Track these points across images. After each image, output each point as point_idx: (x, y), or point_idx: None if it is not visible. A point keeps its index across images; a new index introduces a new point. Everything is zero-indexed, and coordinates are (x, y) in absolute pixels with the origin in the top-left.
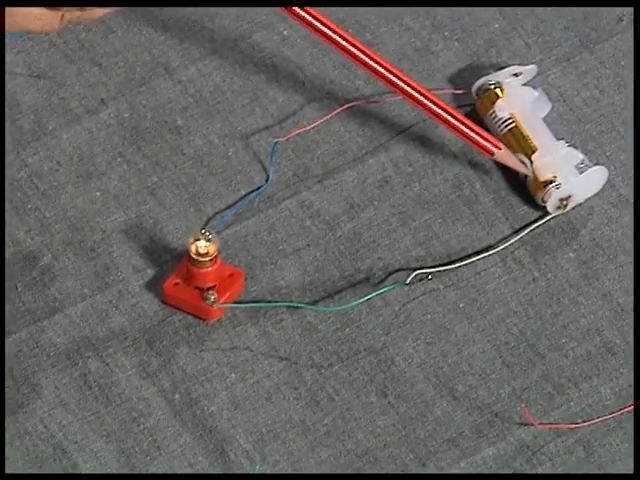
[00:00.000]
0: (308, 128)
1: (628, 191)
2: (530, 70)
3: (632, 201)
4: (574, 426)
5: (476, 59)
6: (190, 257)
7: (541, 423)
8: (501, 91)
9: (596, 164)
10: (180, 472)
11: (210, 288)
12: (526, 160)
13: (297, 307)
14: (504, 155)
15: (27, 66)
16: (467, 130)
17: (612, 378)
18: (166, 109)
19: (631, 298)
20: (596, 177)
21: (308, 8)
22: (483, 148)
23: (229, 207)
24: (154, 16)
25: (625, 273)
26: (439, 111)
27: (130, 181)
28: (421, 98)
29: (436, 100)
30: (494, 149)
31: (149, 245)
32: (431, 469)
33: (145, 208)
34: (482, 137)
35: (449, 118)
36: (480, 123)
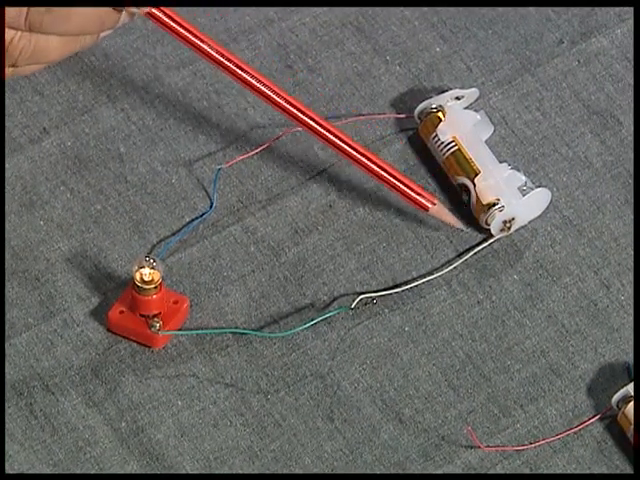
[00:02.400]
0: (251, 154)
1: (571, 213)
2: (472, 93)
3: (575, 223)
4: (520, 448)
5: (418, 83)
6: (134, 285)
7: (488, 446)
8: (443, 115)
9: (539, 186)
10: None
11: (155, 315)
12: (469, 185)
13: (243, 333)
14: (439, 210)
15: None
16: (401, 185)
17: (558, 399)
18: (109, 137)
19: (575, 319)
20: (539, 199)
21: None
22: (417, 203)
23: (173, 234)
24: (95, 44)
25: (569, 294)
26: (377, 169)
27: (73, 209)
28: (357, 155)
29: (380, 162)
30: (428, 204)
31: (93, 273)
32: None
33: (89, 236)
34: (416, 192)
35: (384, 174)
36: (423, 147)
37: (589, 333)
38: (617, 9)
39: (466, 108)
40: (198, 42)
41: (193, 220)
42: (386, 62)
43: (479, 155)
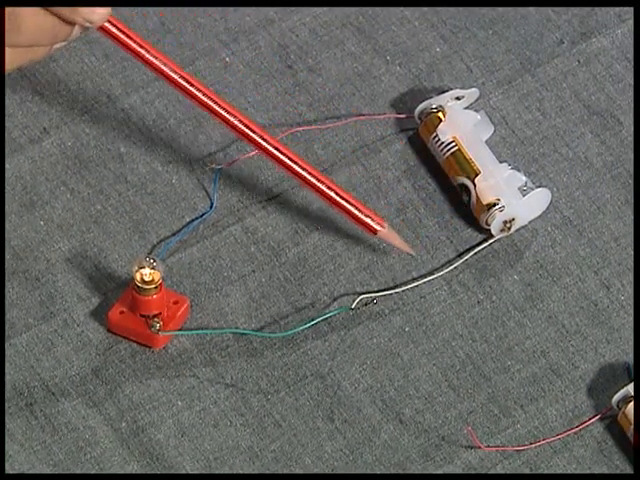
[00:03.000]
0: (251, 154)
1: (571, 213)
2: (472, 93)
3: (575, 223)
4: (520, 448)
5: (418, 83)
6: (135, 285)
7: (488, 446)
8: (443, 115)
9: (539, 186)
10: None
11: (155, 316)
12: (469, 185)
13: (243, 333)
14: (388, 234)
15: None
16: (351, 208)
17: (558, 400)
18: (109, 137)
19: (575, 320)
20: (539, 199)
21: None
22: (366, 226)
23: (173, 234)
24: (96, 44)
25: (569, 294)
26: (328, 191)
27: (74, 210)
28: (304, 174)
29: (325, 180)
30: (377, 227)
31: (94, 274)
32: None
33: (89, 236)
34: (365, 215)
35: (334, 196)
36: (423, 147)
37: (589, 333)
38: (617, 9)
39: (466, 108)
40: (151, 58)
41: (193, 220)
42: (386, 62)
43: (479, 155)
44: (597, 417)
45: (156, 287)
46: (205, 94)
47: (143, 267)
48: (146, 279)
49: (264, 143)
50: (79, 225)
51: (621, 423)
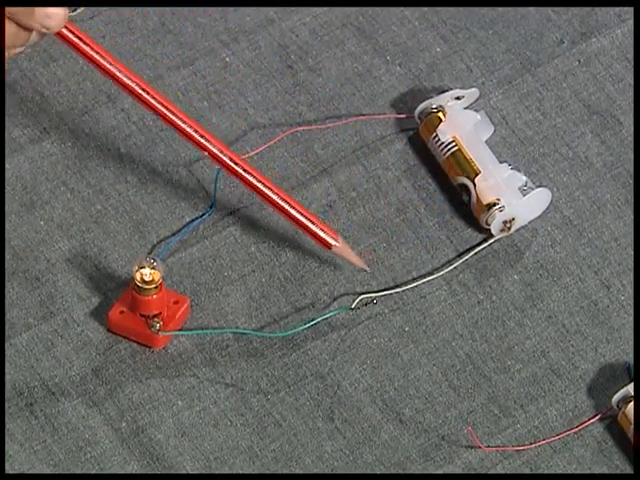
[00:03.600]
0: (251, 154)
1: (571, 213)
2: (472, 93)
3: (575, 223)
4: (521, 448)
5: (418, 83)
6: (135, 285)
7: (488, 446)
8: (443, 115)
9: (539, 186)
10: None
11: (155, 316)
12: (469, 185)
13: (243, 333)
14: (342, 248)
15: None
16: (305, 221)
17: (558, 399)
18: (109, 137)
19: (575, 319)
20: (539, 199)
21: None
22: (321, 240)
23: (173, 234)
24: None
25: (569, 294)
26: (282, 203)
27: (74, 210)
28: (261, 187)
29: (277, 190)
30: (331, 241)
31: (94, 273)
32: None
33: (89, 236)
34: (320, 229)
35: (288, 208)
36: (423, 147)
37: (589, 333)
38: (617, 9)
39: (466, 108)
40: (106, 64)
41: (193, 220)
42: (386, 62)
43: (479, 155)
44: (597, 417)
45: (156, 287)
46: (162, 103)
47: (143, 267)
48: (146, 279)
49: (222, 155)
50: (79, 225)
51: (621, 423)
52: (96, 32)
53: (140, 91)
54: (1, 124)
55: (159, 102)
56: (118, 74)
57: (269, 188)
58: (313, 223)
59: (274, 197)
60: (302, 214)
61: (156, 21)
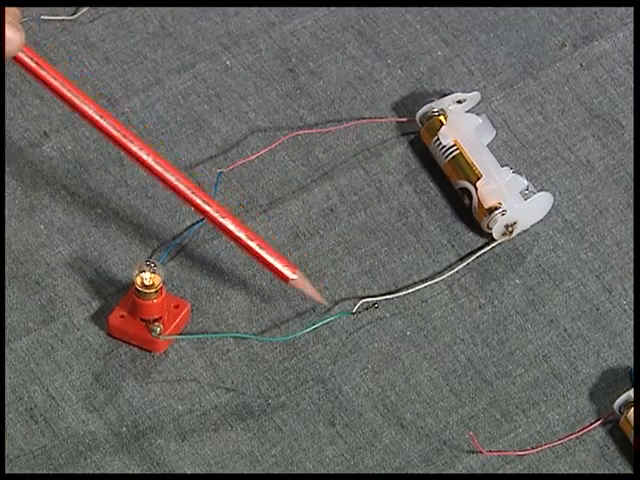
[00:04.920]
0: (252, 158)
1: (573, 217)
2: (473, 97)
3: (577, 227)
4: (522, 453)
5: (419, 86)
6: (135, 289)
7: (489, 450)
8: (445, 118)
9: (541, 190)
10: None
11: (156, 320)
12: (471, 189)
13: (244, 337)
14: (299, 282)
15: None
16: (264, 253)
17: (560, 404)
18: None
19: (577, 324)
20: (541, 203)
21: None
22: (278, 273)
23: (174, 238)
24: (96, 47)
25: (571, 299)
26: (238, 234)
27: (74, 213)
28: (221, 220)
29: (237, 222)
30: (289, 275)
31: (94, 277)
32: None
33: (89, 240)
34: (279, 262)
35: (247, 242)
36: (424, 151)
37: (591, 337)
38: (619, 12)
39: (468, 112)
40: (64, 90)
41: (194, 224)
42: (387, 65)
43: (481, 159)
44: (599, 422)
45: (157, 291)
46: (119, 130)
47: (144, 271)
48: (147, 283)
49: (181, 186)
50: (79, 229)
51: (623, 428)
52: (96, 35)
53: (97, 118)
54: (1, 128)
55: (116, 129)
56: (76, 101)
57: (224, 217)
58: (271, 255)
59: (231, 227)
60: (260, 246)
61: (156, 24)
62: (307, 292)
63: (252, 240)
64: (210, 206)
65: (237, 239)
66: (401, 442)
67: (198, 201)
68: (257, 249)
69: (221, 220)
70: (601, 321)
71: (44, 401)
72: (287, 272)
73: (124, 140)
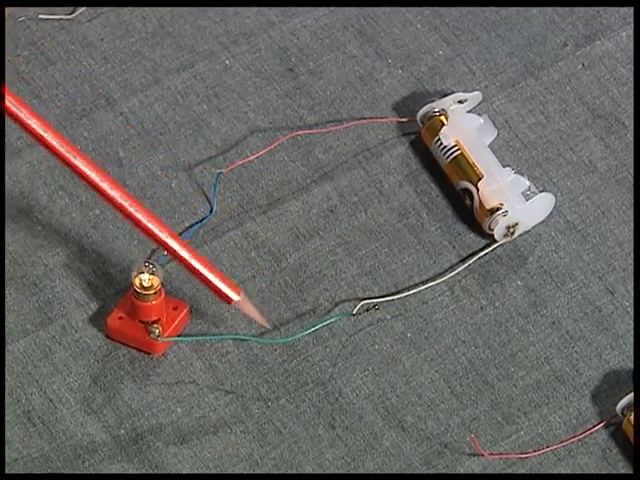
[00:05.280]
0: (252, 158)
1: (575, 218)
2: (475, 97)
3: (579, 228)
4: (524, 456)
5: (420, 86)
6: (134, 290)
7: (491, 453)
8: (446, 118)
9: (542, 191)
10: None
11: (154, 322)
12: (472, 190)
13: (243, 339)
14: (243, 303)
15: None
16: (208, 275)
17: (562, 407)
18: (107, 141)
19: (579, 325)
20: (543, 204)
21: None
22: (221, 296)
23: None
24: (94, 47)
25: (573, 300)
26: (182, 254)
27: (72, 214)
28: (165, 239)
29: (182, 243)
30: (234, 297)
31: (92, 279)
32: None
33: (87, 241)
34: (223, 283)
35: (188, 259)
36: (425, 151)
37: (593, 339)
38: (622, 12)
39: (469, 112)
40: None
41: (193, 225)
42: (388, 65)
43: (482, 159)
44: (601, 424)
45: (155, 293)
46: (88, 167)
47: (142, 272)
48: (145, 284)
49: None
50: (77, 230)
51: (626, 430)
52: (94, 34)
53: (63, 152)
54: (1, 128)
55: (92, 171)
56: (44, 134)
57: (168, 237)
58: (216, 277)
59: (173, 245)
60: (204, 267)
61: (155, 24)
62: (250, 314)
63: (196, 260)
64: (153, 224)
65: (181, 259)
66: (402, 445)
67: (142, 219)
68: (201, 269)
69: (165, 239)
70: (603, 323)
71: (42, 404)
72: (231, 294)
73: (86, 171)
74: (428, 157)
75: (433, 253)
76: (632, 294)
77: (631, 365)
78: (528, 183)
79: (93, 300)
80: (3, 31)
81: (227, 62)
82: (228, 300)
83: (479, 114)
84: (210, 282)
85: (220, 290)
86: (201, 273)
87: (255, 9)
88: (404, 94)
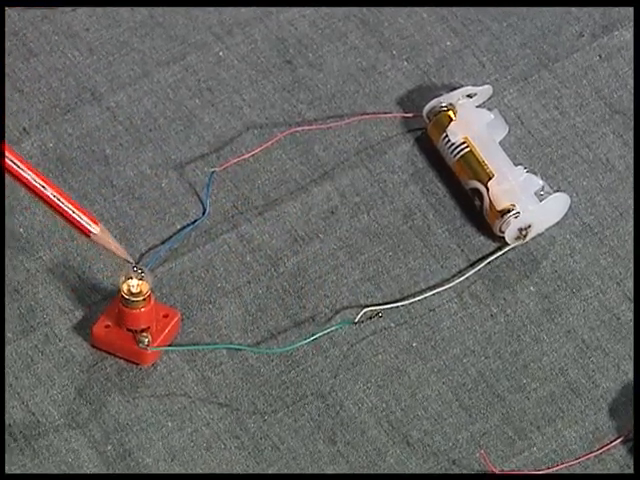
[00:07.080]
0: (247, 156)
1: (592, 219)
2: (485, 91)
3: (596, 230)
4: (537, 473)
5: (427, 79)
6: (121, 297)
7: (502, 470)
8: (454, 113)
9: (557, 191)
10: None
11: (143, 330)
12: (482, 190)
13: (238, 349)
14: (101, 236)
15: None
16: (63, 206)
17: (577, 421)
18: (93, 138)
19: (596, 334)
20: (557, 205)
21: None
22: (79, 227)
23: (163, 242)
24: (79, 37)
25: (589, 307)
26: (35, 184)
27: (56, 216)
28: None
29: (36, 172)
30: (91, 229)
31: (77, 285)
32: None
33: (72, 245)
34: (80, 215)
35: (41, 189)
36: (432, 149)
37: (611, 349)
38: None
39: (478, 106)
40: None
41: (185, 227)
42: (392, 57)
43: (493, 157)
44: (619, 439)
45: (144, 299)
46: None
47: (130, 278)
48: (134, 290)
49: None
50: (61, 232)
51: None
52: (79, 24)
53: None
54: (1, 121)
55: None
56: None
57: (21, 167)
58: (72, 210)
59: (26, 176)
60: (58, 198)
61: (144, 13)
62: (109, 247)
63: (50, 190)
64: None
65: (34, 189)
66: (407, 461)
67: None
68: (56, 201)
69: (17, 169)
70: (622, 331)
71: (23, 417)
72: (89, 226)
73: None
74: (435, 155)
75: (440, 257)
76: None
77: None
78: (541, 183)
79: (78, 307)
80: (3, 31)
81: (221, 54)
82: (85, 232)
83: (489, 109)
84: (66, 212)
85: (77, 222)
86: (56, 204)
87: None
88: (409, 88)
